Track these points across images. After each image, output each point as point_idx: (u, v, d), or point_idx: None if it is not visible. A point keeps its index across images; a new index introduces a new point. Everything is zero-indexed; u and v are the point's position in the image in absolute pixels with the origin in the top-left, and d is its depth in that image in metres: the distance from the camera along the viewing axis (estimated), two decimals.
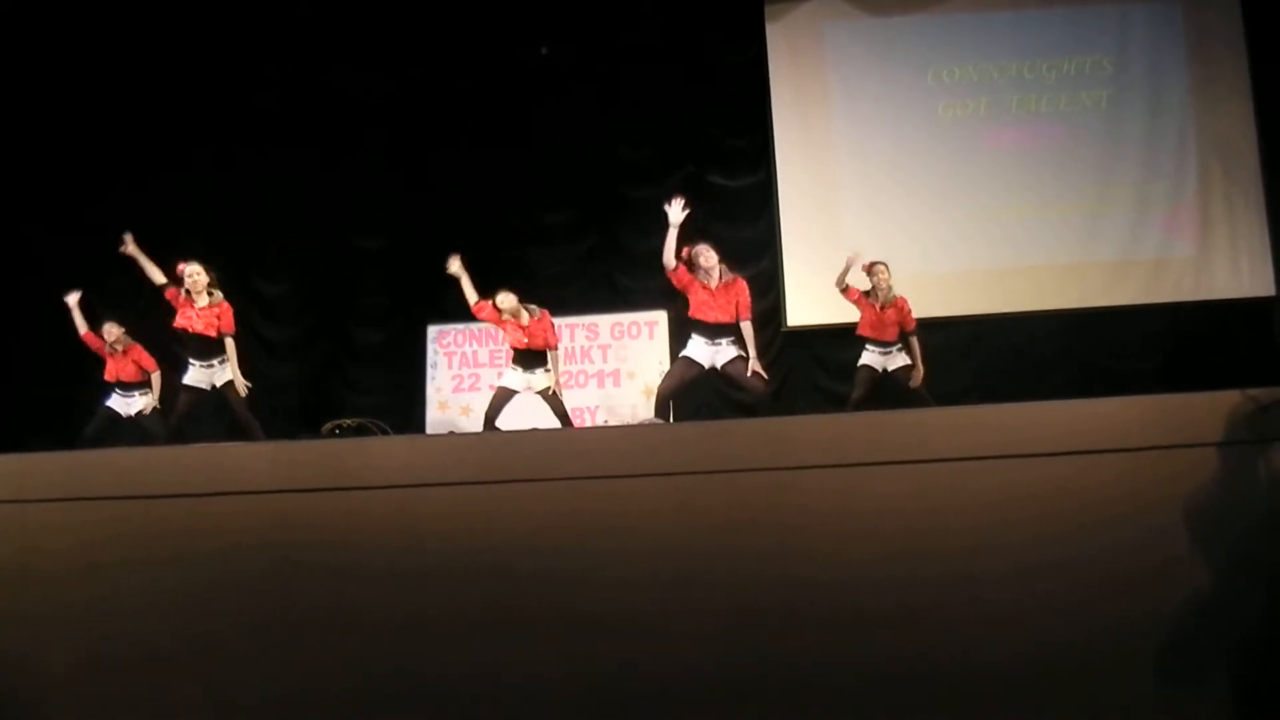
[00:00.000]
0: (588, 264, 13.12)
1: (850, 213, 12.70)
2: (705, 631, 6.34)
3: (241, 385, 9.85)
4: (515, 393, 9.98)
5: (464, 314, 12.17)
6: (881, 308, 10.15)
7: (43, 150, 13.42)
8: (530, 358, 9.97)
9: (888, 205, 12.64)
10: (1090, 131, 12.63)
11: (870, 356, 10.24)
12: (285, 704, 6.73)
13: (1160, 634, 6.00)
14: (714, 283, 9.22)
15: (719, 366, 9.23)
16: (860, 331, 10.31)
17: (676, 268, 9.31)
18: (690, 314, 9.31)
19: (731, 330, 9.24)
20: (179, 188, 13.39)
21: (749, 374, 9.17)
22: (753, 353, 9.28)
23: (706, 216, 12.80)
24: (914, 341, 10.20)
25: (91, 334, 10.79)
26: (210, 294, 9.88)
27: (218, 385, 9.85)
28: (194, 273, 9.84)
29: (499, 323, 10.04)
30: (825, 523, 6.35)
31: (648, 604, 6.39)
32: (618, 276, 12.99)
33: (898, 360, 10.16)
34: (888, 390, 10.24)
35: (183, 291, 9.82)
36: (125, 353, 10.72)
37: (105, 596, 7.03)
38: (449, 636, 6.57)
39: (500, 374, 10.21)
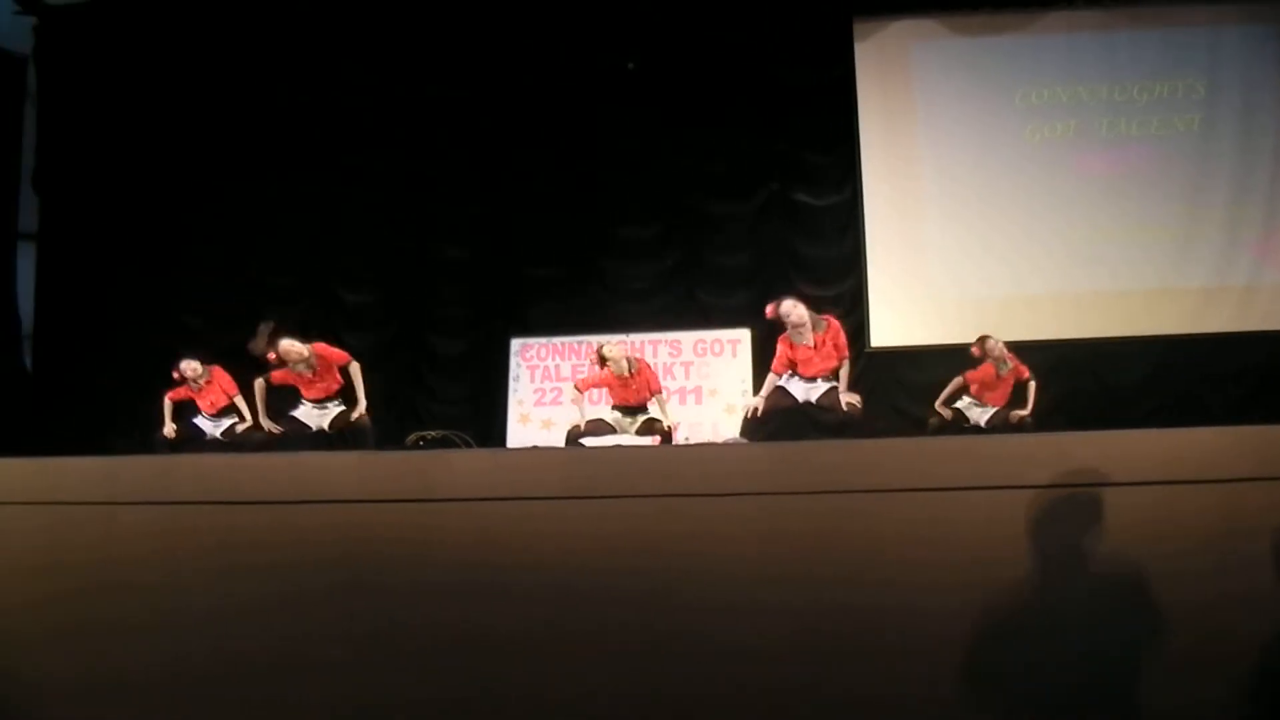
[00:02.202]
0: (671, 280, 13.11)
1: (936, 233, 12.63)
2: (784, 657, 6.32)
3: (270, 426, 10.02)
4: (611, 429, 9.78)
5: (547, 327, 12.25)
6: (998, 376, 10.14)
7: (127, 158, 13.68)
8: (631, 407, 9.89)
9: (974, 226, 12.54)
10: (1181, 155, 12.45)
11: (967, 407, 10.29)
12: (361, 716, 6.79)
13: (1245, 666, 5.92)
14: (809, 339, 8.93)
15: (813, 400, 9.05)
16: (974, 391, 10.27)
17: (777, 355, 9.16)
18: (799, 371, 9.04)
19: (830, 375, 9.05)
20: (262, 197, 13.58)
21: (844, 406, 8.95)
22: (844, 385, 9.07)
23: (791, 235, 12.82)
24: (1031, 387, 10.23)
25: (174, 394, 10.69)
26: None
27: (326, 428, 10.03)
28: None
29: (603, 382, 9.93)
30: (909, 547, 6.30)
31: (727, 627, 6.37)
32: (700, 293, 12.97)
33: (988, 412, 10.17)
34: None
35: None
36: (209, 383, 10.61)
37: (188, 603, 7.11)
38: (527, 652, 6.59)
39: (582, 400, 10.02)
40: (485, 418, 12.78)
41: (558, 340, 12.49)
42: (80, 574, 7.29)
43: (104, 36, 13.86)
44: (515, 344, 12.86)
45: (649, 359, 11.83)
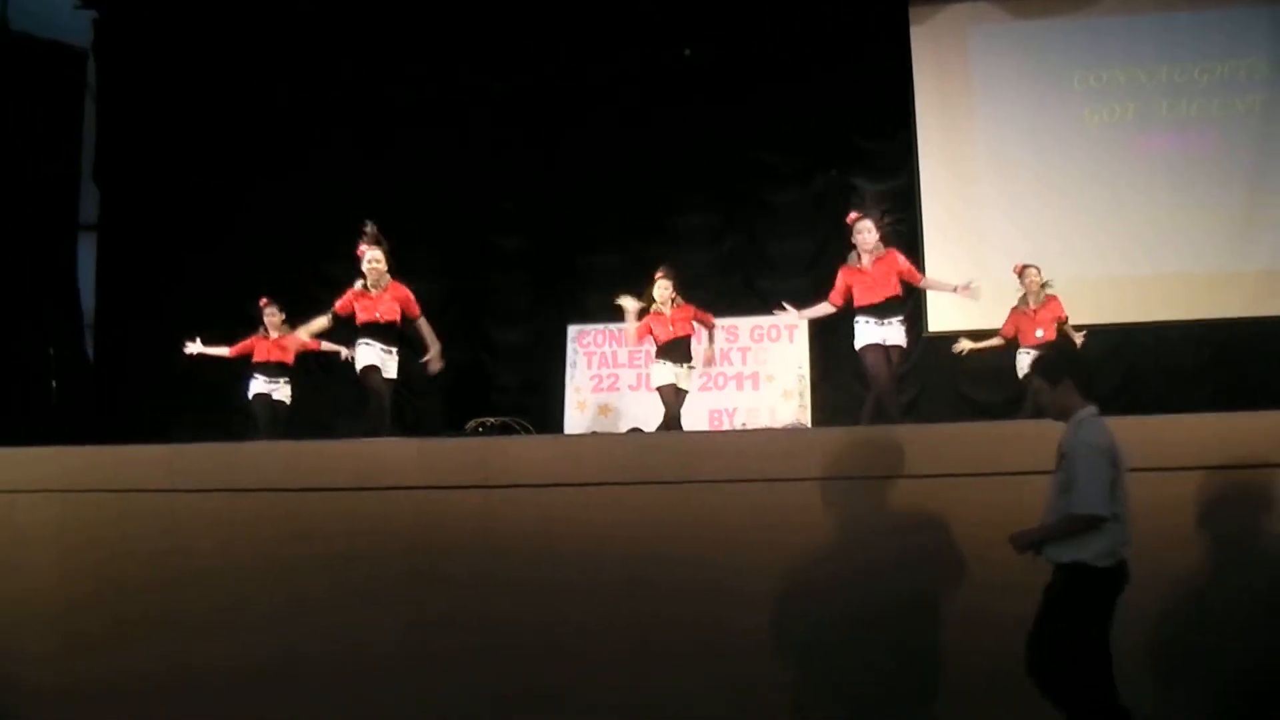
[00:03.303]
0: (728, 266, 13.09)
1: (993, 217, 12.56)
2: (840, 645, 6.32)
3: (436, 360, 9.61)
4: (678, 386, 9.85)
5: (604, 314, 12.24)
6: (1034, 311, 10.25)
7: (186, 150, 13.83)
8: (674, 350, 9.88)
9: (1032, 210, 12.44)
10: (1243, 137, 12.27)
11: (1025, 362, 10.17)
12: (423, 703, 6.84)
13: None
14: (867, 263, 8.86)
15: (889, 342, 8.81)
16: (1022, 342, 10.34)
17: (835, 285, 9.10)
18: (856, 304, 8.88)
19: (898, 306, 8.89)
20: (322, 187, 13.66)
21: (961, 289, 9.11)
22: (948, 288, 9.34)
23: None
24: (1068, 330, 10.33)
25: (241, 345, 10.97)
26: (381, 279, 9.55)
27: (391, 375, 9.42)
28: (374, 259, 9.51)
29: (647, 329, 10.01)
30: (970, 531, 6.28)
31: (787, 615, 6.38)
32: (758, 279, 12.95)
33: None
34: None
35: (359, 285, 9.51)
36: (278, 340, 10.81)
37: (250, 591, 7.19)
38: (586, 635, 6.62)
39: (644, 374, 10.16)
40: (543, 404, 12.81)
41: (615, 327, 12.42)
42: (144, 562, 7.38)
43: (163, 29, 13.98)
44: (572, 331, 12.91)
45: (707, 345, 11.82)
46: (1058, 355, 5.60)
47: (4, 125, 13.42)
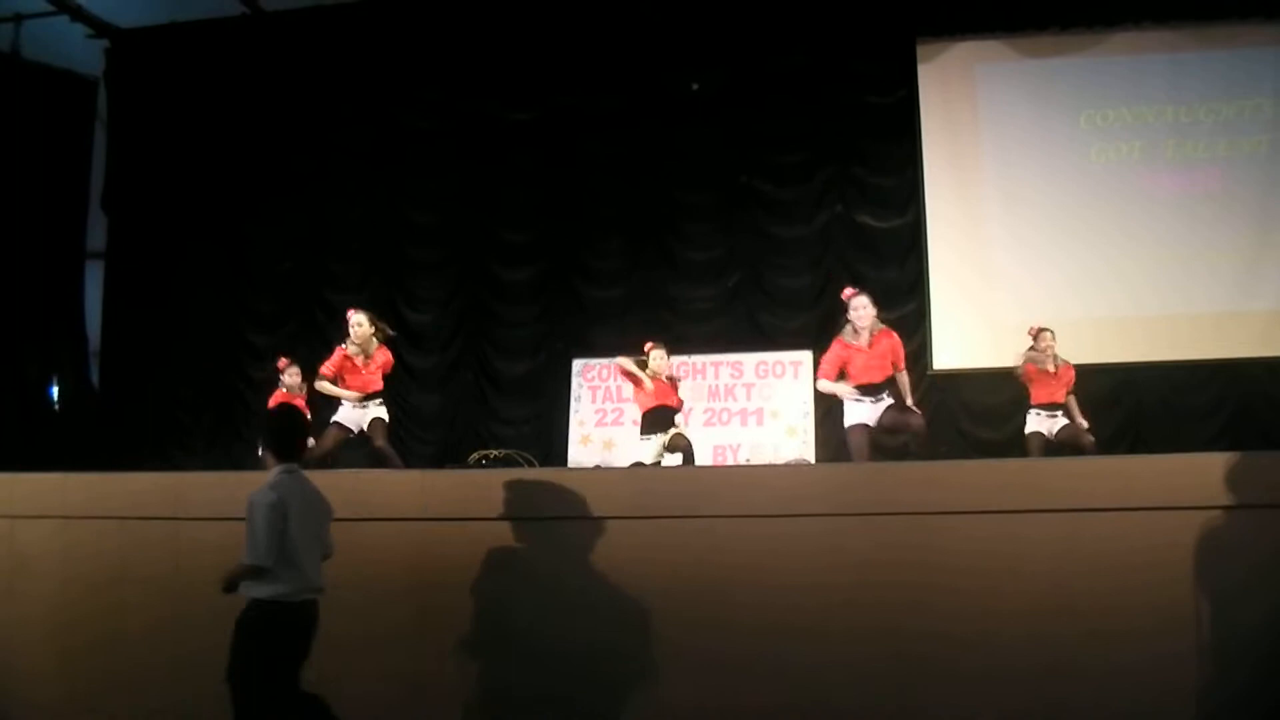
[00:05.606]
0: (733, 301, 13.06)
1: (999, 255, 12.52)
2: (837, 680, 6.28)
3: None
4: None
5: (609, 348, 12.23)
6: (1054, 373, 10.12)
7: (194, 179, 13.96)
8: (657, 420, 10.02)
9: (1038, 249, 12.40)
10: (1249, 177, 12.20)
11: (1037, 421, 10.17)
12: None
13: None
14: (865, 341, 8.81)
15: (872, 424, 8.81)
16: (1034, 401, 10.21)
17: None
18: (851, 380, 8.82)
19: (886, 385, 8.89)
20: (327, 216, 13.73)
21: (908, 414, 8.87)
22: (910, 399, 9.09)
23: (854, 257, 12.75)
24: (1072, 401, 10.19)
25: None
26: (372, 342, 9.70)
27: (364, 427, 9.59)
28: (358, 323, 9.63)
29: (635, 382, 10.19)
30: (972, 570, 6.26)
31: (784, 649, 6.35)
32: (762, 315, 12.92)
33: (1059, 423, 10.10)
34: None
35: (349, 346, 9.60)
36: (298, 396, 10.76)
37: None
38: (591, 670, 6.59)
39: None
40: (547, 438, 12.79)
41: (619, 361, 12.46)
42: (146, 589, 7.37)
43: (173, 59, 14.08)
44: (577, 364, 12.89)
45: (711, 380, 11.81)
46: (269, 426, 6.47)
47: (15, 152, 13.50)
